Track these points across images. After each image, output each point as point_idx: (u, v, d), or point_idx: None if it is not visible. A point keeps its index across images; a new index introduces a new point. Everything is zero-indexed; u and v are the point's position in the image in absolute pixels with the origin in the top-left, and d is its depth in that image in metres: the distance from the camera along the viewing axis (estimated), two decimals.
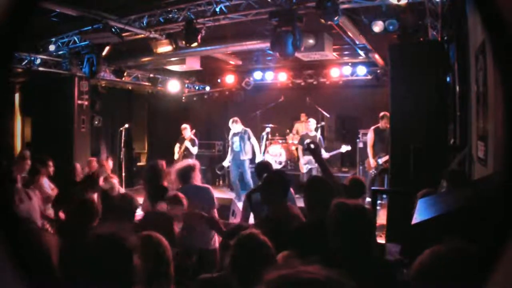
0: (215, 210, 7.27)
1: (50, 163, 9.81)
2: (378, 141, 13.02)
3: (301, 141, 14.78)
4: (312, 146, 6.41)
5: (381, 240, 8.21)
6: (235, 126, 14.51)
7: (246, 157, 14.41)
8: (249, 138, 14.41)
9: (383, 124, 12.87)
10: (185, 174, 7.28)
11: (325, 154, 14.38)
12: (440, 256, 2.15)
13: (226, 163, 15.21)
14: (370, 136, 13.35)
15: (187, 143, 14.55)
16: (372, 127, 13.31)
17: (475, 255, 2.09)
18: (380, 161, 12.84)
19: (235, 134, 14.57)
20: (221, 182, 17.97)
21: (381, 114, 12.91)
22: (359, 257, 3.60)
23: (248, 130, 14.57)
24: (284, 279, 1.66)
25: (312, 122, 14.76)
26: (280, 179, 5.70)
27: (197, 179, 7.41)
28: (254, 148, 14.51)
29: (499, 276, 1.70)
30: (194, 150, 14.64)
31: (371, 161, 13.22)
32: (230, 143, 14.83)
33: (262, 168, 7.59)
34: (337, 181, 6.44)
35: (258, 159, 14.27)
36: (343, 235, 3.75)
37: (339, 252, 3.72)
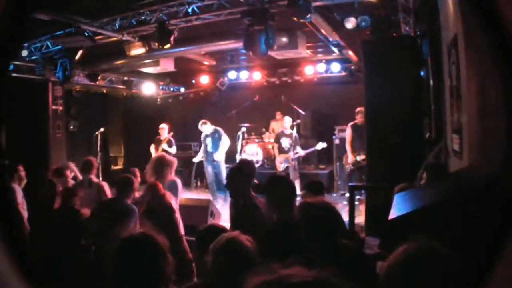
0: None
1: (21, 168, 9.72)
2: (356, 137, 12.99)
3: (277, 140, 14.80)
4: None
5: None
6: (205, 127, 14.37)
7: (220, 157, 14.27)
8: (220, 137, 14.23)
9: (359, 119, 12.89)
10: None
11: (301, 152, 14.43)
12: (409, 256, 2.16)
13: (197, 159, 15.22)
14: (348, 133, 13.34)
15: (164, 146, 14.50)
16: (350, 124, 13.32)
17: (444, 254, 2.10)
18: (359, 158, 12.85)
19: (207, 136, 14.44)
20: (198, 183, 17.90)
21: (357, 109, 12.94)
22: (328, 253, 3.63)
23: (219, 129, 14.44)
24: (270, 286, 1.62)
25: (287, 120, 14.74)
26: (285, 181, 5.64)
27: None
28: (224, 146, 14.29)
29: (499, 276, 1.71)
30: (173, 150, 14.56)
31: (350, 157, 13.22)
32: (203, 145, 14.65)
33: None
34: None
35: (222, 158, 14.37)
36: (310, 233, 3.79)
37: (310, 249, 3.75)
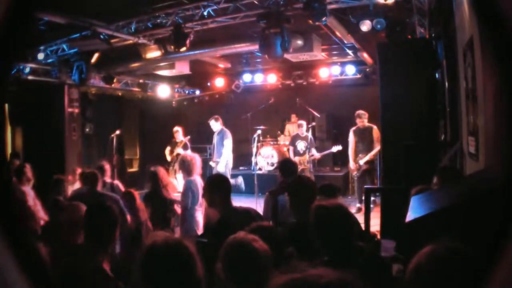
0: None
1: (27, 168, 9.75)
2: (358, 141, 12.95)
3: (292, 142, 14.81)
4: None
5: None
6: (214, 124, 13.94)
7: (219, 160, 13.68)
8: (222, 139, 13.73)
9: (360, 123, 12.85)
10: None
11: (316, 154, 14.42)
12: (437, 257, 2.14)
13: (215, 164, 14.75)
14: (351, 138, 13.29)
15: (179, 150, 14.47)
16: (352, 129, 13.23)
17: (471, 255, 2.09)
18: (361, 162, 12.79)
19: (215, 135, 14.09)
20: None
21: (356, 113, 12.91)
22: (342, 255, 3.62)
23: (225, 130, 13.88)
24: (297, 284, 1.62)
25: (304, 127, 14.71)
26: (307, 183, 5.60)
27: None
28: (223, 150, 13.66)
29: (500, 276, 1.71)
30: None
31: (351, 164, 13.17)
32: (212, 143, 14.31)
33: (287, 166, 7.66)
34: None
35: (221, 165, 13.62)
36: (323, 235, 3.77)
37: (322, 252, 3.74)
